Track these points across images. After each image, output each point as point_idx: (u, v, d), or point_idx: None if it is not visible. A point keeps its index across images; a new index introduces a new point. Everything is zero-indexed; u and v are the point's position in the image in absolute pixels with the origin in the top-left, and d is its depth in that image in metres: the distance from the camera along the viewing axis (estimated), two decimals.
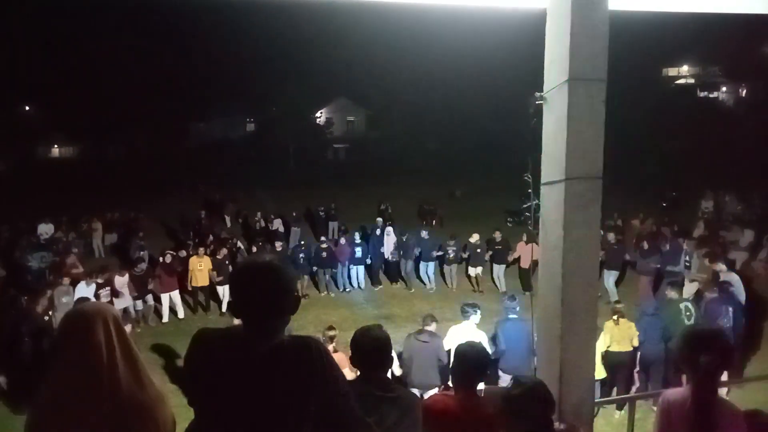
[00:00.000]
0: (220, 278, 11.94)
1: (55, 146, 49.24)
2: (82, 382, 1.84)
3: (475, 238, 13.72)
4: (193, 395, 1.92)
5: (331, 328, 6.52)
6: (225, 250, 12.73)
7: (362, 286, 13.91)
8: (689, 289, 10.29)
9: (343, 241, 14.09)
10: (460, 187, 27.65)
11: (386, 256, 14.28)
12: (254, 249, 14.42)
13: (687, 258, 11.56)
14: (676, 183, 21.50)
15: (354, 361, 2.53)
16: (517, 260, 13.46)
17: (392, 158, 37.75)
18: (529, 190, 3.56)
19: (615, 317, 7.12)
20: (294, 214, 18.95)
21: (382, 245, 14.32)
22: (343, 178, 31.91)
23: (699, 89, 48.60)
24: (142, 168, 34.14)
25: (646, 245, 12.23)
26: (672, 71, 51.99)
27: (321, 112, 45.73)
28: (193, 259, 12.04)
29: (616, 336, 7.04)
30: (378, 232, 14.85)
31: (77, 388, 1.83)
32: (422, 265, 13.83)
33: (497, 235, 13.75)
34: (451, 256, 13.62)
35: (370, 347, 2.50)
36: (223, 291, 12.09)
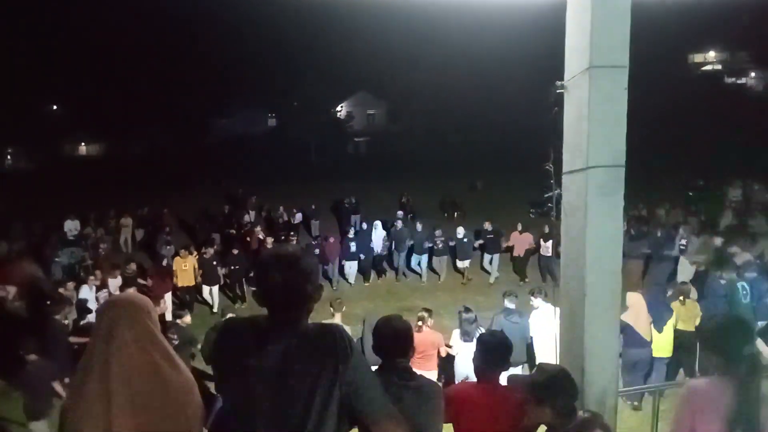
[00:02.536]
0: (206, 278, 11.88)
1: (82, 144, 50.14)
2: (107, 373, 1.88)
3: (460, 232, 13.74)
4: (219, 382, 1.97)
5: (425, 309, 6.96)
6: (212, 249, 12.57)
7: (351, 281, 13.82)
8: (687, 271, 10.60)
9: (332, 239, 14.02)
10: (481, 179, 27.47)
11: (376, 251, 14.21)
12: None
13: (683, 242, 11.68)
14: (702, 172, 21.04)
15: (375, 350, 2.56)
16: (511, 249, 13.57)
17: (413, 151, 37.61)
18: (552, 181, 3.54)
19: (681, 298, 7.36)
20: (313, 207, 19.06)
21: (371, 240, 14.24)
22: (364, 171, 31.90)
23: (726, 75, 47.44)
24: (166, 164, 34.57)
25: (632, 231, 12.41)
26: (698, 57, 50.82)
27: (341, 106, 45.77)
28: (177, 260, 11.90)
29: (683, 315, 7.26)
30: (365, 226, 14.81)
31: (102, 380, 1.88)
32: (414, 257, 13.93)
33: (488, 225, 13.85)
34: (440, 246, 13.69)
35: (391, 337, 2.52)
36: (210, 290, 11.99)
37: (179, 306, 11.78)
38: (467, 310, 6.85)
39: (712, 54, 51.05)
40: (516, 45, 33.70)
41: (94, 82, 43.08)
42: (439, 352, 6.74)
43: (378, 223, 14.67)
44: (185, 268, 11.78)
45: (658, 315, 7.04)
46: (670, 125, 30.60)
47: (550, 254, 12.98)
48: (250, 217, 20.82)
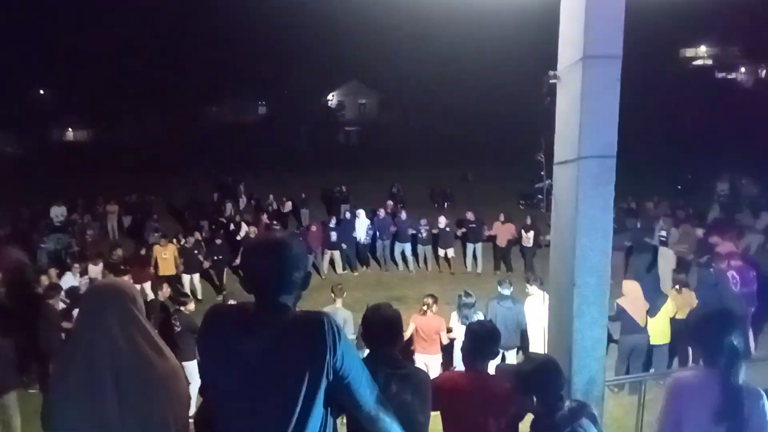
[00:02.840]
0: (187, 266, 11.70)
1: (69, 129, 49.56)
2: (92, 359, 1.86)
3: (442, 222, 13.76)
4: (205, 370, 1.95)
5: (429, 296, 7.15)
6: (192, 239, 12.38)
7: (338, 270, 13.63)
8: (669, 260, 11.02)
9: (314, 228, 13.87)
10: (472, 170, 27.52)
11: (358, 239, 14.05)
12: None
13: (662, 233, 11.93)
14: (692, 165, 21.20)
15: (364, 338, 2.55)
16: (493, 238, 13.63)
17: (404, 141, 37.55)
18: (542, 172, 3.53)
19: (677, 287, 7.59)
20: (303, 195, 19.00)
21: (354, 229, 14.04)
22: (355, 161, 31.84)
23: (717, 70, 47.69)
24: (155, 151, 34.27)
25: (615, 225, 12.63)
26: (689, 52, 51.00)
27: (332, 95, 45.52)
28: (157, 248, 11.71)
29: (679, 304, 7.42)
30: (348, 215, 14.72)
31: (88, 366, 1.86)
32: (397, 246, 13.89)
33: (470, 215, 13.88)
34: (424, 236, 13.69)
35: (380, 325, 2.51)
36: (191, 279, 11.80)
37: (182, 293, 11.63)
38: (467, 294, 7.00)
39: (703, 49, 51.24)
40: (509, 35, 33.59)
41: (83, 67, 42.47)
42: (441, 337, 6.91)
43: (361, 212, 14.53)
44: (165, 257, 11.61)
45: (652, 302, 7.24)
46: (660, 119, 30.73)
47: (531, 245, 13.16)
48: (239, 205, 20.76)
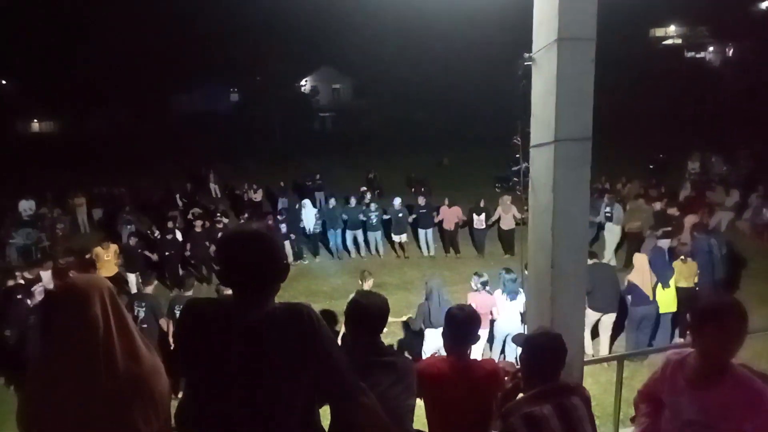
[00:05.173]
0: (128, 265, 11.34)
1: (35, 121, 48.20)
2: (77, 357, 1.80)
3: (397, 202, 13.74)
4: (183, 366, 1.91)
5: (476, 274, 7.46)
6: (135, 238, 11.96)
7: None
8: (614, 235, 11.91)
9: (270, 221, 13.39)
10: (447, 156, 27.55)
11: (307, 230, 13.85)
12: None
13: (608, 209, 12.30)
14: (663, 145, 21.54)
15: (347, 327, 2.52)
16: (440, 222, 13.73)
17: (379, 126, 37.44)
18: (517, 155, 3.54)
19: (683, 257, 8.02)
20: (282, 183, 18.79)
21: (301, 219, 13.83)
22: (330, 147, 31.66)
23: (686, 50, 48.43)
24: (125, 142, 33.60)
25: None
26: (659, 31, 51.64)
27: (305, 81, 45.04)
28: (97, 249, 11.18)
29: (684, 273, 7.87)
30: (297, 206, 14.50)
31: (72, 364, 1.80)
32: (348, 233, 13.79)
33: (421, 200, 13.89)
34: (374, 221, 13.61)
35: (371, 312, 2.49)
36: (134, 279, 11.35)
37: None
38: (509, 271, 7.34)
39: (672, 28, 51.90)
40: (483, 19, 33.53)
41: (47, 55, 41.23)
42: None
43: (306, 202, 14.37)
44: (107, 258, 11.12)
45: (663, 273, 7.59)
46: (630, 98, 31.11)
47: (483, 227, 13.31)
48: (211, 194, 20.49)
